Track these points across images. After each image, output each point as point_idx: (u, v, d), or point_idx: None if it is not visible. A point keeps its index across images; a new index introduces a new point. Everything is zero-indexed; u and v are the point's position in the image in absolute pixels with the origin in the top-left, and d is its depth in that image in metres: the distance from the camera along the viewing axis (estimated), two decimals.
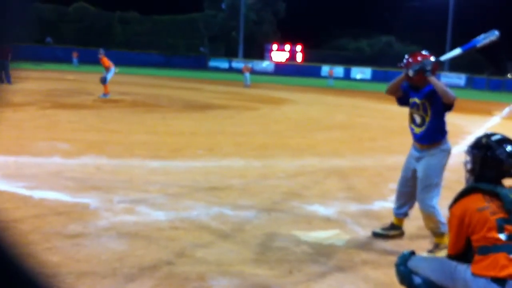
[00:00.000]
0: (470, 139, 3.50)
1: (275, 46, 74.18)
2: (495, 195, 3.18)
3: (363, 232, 5.39)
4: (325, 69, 58.95)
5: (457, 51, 5.05)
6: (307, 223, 5.65)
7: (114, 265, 4.15)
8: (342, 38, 79.19)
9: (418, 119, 5.00)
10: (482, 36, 4.96)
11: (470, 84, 56.31)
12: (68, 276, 3.86)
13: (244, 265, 4.33)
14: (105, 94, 19.59)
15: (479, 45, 4.97)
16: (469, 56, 59.48)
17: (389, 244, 5.08)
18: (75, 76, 32.97)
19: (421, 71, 4.75)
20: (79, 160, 8.19)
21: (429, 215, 4.86)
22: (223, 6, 74.43)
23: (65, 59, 53.84)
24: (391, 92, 5.15)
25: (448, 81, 44.89)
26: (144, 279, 3.92)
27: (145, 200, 6.13)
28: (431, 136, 4.92)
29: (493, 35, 4.93)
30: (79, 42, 62.18)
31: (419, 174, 4.95)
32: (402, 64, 4.92)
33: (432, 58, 4.83)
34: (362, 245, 5.03)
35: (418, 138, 5.03)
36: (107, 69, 19.81)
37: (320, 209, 6.18)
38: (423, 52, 4.92)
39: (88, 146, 9.34)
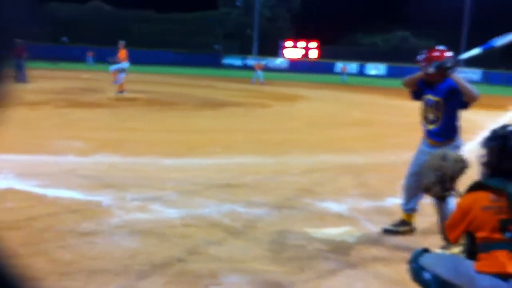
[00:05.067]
0: (484, 135, 3.44)
1: (289, 43, 73.91)
2: (503, 193, 3.12)
3: (375, 229, 5.37)
4: (339, 65, 58.76)
5: (476, 51, 5.00)
6: (320, 220, 5.64)
7: (126, 262, 4.18)
8: (356, 33, 78.67)
9: (431, 116, 4.97)
10: (500, 37, 4.91)
11: (486, 79, 55.65)
12: (80, 274, 3.90)
13: (256, 262, 4.34)
14: (121, 91, 19.73)
15: (497, 45, 4.93)
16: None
17: (400, 241, 5.06)
18: (90, 75, 33.21)
19: (442, 69, 4.71)
20: (93, 158, 8.26)
21: None
22: (238, 3, 74.51)
23: (81, 58, 54.34)
24: (407, 85, 5.16)
25: (463, 77, 44.42)
26: (156, 276, 3.95)
27: (158, 198, 6.15)
28: (445, 134, 4.90)
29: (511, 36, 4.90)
30: (94, 41, 62.62)
31: None
32: (419, 59, 4.87)
33: (450, 53, 4.78)
34: (374, 242, 5.01)
35: (430, 135, 5.00)
36: (122, 60, 19.78)
37: (333, 206, 6.17)
38: (440, 47, 4.88)
39: (103, 144, 9.41)
